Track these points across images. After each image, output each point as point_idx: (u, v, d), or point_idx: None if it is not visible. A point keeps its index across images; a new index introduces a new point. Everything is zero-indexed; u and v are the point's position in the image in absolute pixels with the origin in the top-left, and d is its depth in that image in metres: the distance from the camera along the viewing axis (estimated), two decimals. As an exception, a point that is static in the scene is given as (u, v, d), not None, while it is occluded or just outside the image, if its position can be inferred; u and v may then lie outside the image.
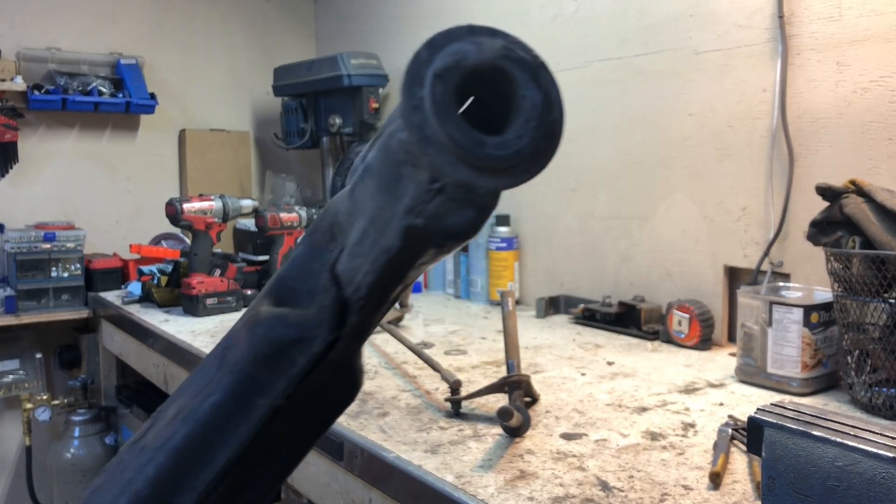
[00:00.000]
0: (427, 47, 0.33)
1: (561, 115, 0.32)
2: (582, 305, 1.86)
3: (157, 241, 2.69)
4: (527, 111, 0.31)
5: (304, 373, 0.37)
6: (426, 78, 0.32)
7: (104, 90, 2.62)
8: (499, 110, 0.31)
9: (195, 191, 2.65)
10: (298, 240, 0.32)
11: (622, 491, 0.91)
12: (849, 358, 1.20)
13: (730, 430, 1.06)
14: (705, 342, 1.58)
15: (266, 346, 0.37)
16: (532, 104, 0.31)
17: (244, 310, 2.01)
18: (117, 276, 2.49)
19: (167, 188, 2.86)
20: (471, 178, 0.31)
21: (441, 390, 1.31)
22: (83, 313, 2.43)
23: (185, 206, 2.07)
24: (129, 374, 2.37)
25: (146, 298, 2.22)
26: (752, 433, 0.76)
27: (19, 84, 2.48)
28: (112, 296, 2.35)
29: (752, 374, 1.34)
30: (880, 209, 1.17)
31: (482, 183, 0.31)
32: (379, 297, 0.35)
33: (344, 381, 0.40)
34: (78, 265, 2.45)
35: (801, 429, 0.72)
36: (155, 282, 2.21)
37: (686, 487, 0.92)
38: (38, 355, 2.53)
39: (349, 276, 0.34)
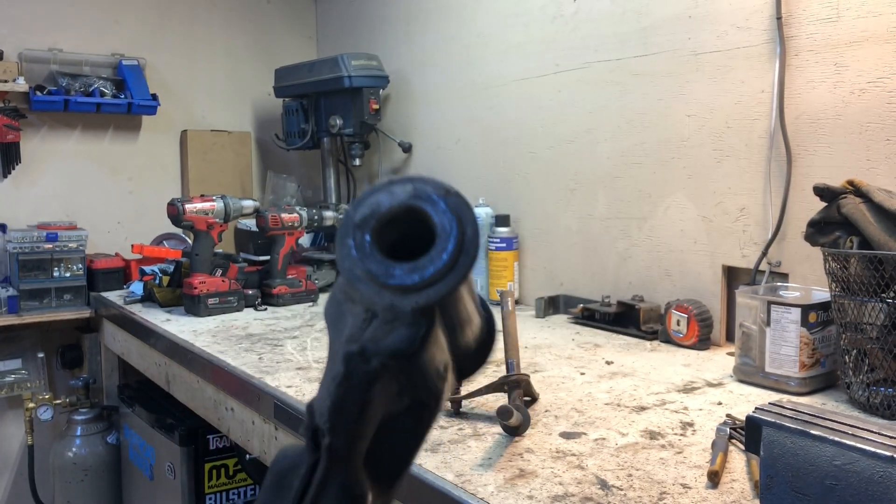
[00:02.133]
0: (352, 204, 0.39)
1: (474, 232, 0.38)
2: (581, 305, 1.86)
3: (158, 241, 2.70)
4: (440, 234, 0.37)
5: (299, 494, 0.41)
6: (349, 228, 0.38)
7: (106, 91, 2.63)
8: (430, 240, 0.38)
9: (197, 191, 2.66)
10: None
11: (621, 489, 0.92)
12: (846, 357, 1.21)
13: (728, 430, 1.07)
14: (704, 342, 1.59)
15: (271, 475, 0.43)
16: (442, 228, 0.37)
17: (246, 309, 2.00)
18: (119, 276, 2.50)
19: (169, 189, 2.87)
20: (394, 301, 0.37)
21: (441, 390, 1.32)
22: (85, 313, 2.44)
23: (187, 206, 2.08)
24: (131, 374, 2.38)
25: (148, 298, 2.23)
26: (751, 432, 0.77)
27: (21, 85, 2.49)
28: (114, 296, 2.36)
29: (750, 373, 1.34)
30: (878, 209, 1.18)
31: (404, 303, 0.37)
32: (342, 421, 0.40)
33: (346, 499, 0.44)
34: (80, 265, 2.46)
35: (799, 428, 0.73)
36: (157, 282, 2.22)
37: (685, 486, 0.93)
38: (41, 355, 2.54)
39: (318, 407, 0.40)
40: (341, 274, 0.38)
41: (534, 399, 1.26)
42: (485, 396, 1.23)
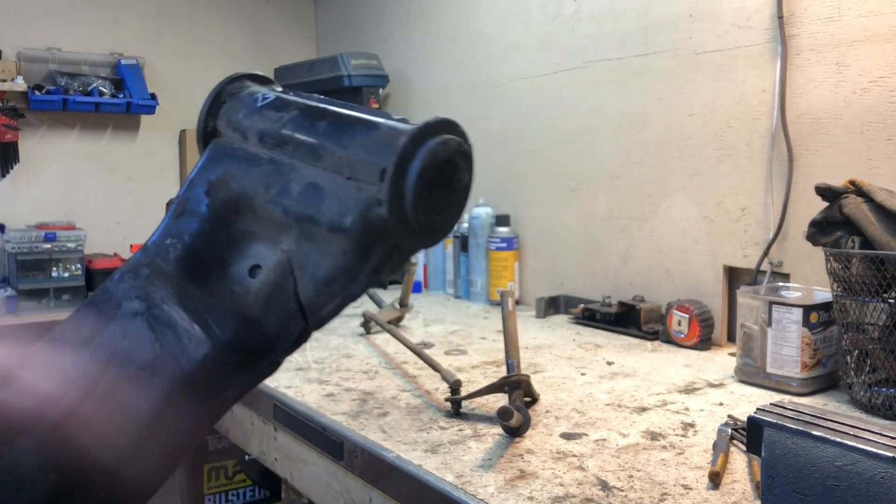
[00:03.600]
0: (411, 142, 0.36)
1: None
2: (582, 305, 1.86)
3: (157, 241, 2.69)
4: (460, 193, 0.39)
5: (262, 377, 0.40)
6: (409, 173, 0.36)
7: (105, 91, 2.63)
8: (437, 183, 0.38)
9: (196, 191, 2.65)
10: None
11: (622, 491, 0.91)
12: (848, 358, 1.21)
13: (729, 430, 1.06)
14: (705, 342, 1.59)
15: (232, 352, 0.38)
16: (464, 187, 0.40)
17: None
18: (118, 276, 2.50)
19: (168, 188, 2.87)
20: (421, 245, 0.39)
21: (441, 390, 1.32)
22: (84, 313, 2.44)
23: (186, 206, 2.08)
24: (130, 374, 2.38)
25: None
26: (752, 433, 0.76)
27: (20, 84, 2.49)
28: (113, 296, 2.36)
29: (751, 373, 1.34)
30: (879, 209, 1.18)
31: (425, 246, 0.40)
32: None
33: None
34: (79, 265, 2.45)
35: (800, 428, 0.72)
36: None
37: (686, 487, 0.92)
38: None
39: (313, 310, 0.38)
40: (390, 212, 0.36)
41: (534, 400, 1.25)
42: (485, 397, 1.22)
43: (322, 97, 0.42)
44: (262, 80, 0.45)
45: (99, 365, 0.36)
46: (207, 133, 0.43)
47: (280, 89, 0.45)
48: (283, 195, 0.38)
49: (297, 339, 0.38)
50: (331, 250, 0.36)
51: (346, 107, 0.41)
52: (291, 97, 0.42)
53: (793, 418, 0.74)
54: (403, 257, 0.39)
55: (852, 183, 1.23)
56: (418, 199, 0.36)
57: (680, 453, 1.03)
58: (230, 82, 0.45)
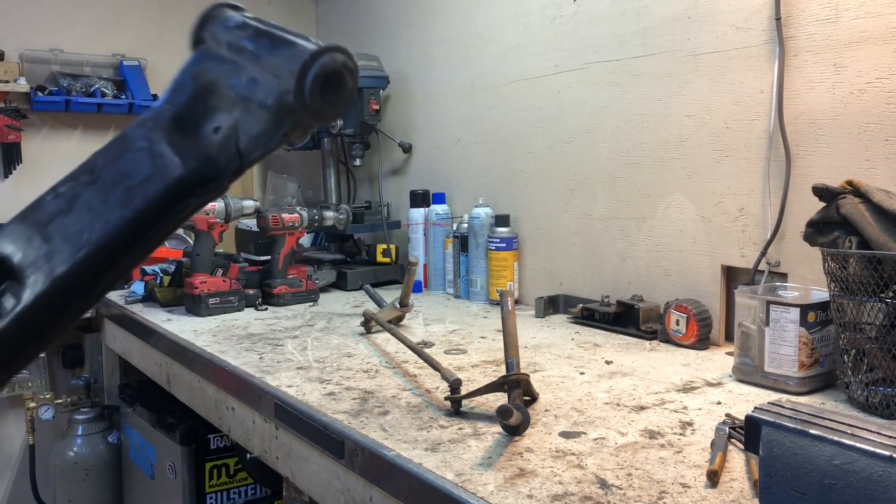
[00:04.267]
0: (311, 56, 0.55)
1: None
2: (581, 305, 1.87)
3: (159, 241, 2.70)
4: (345, 93, 0.56)
5: (214, 195, 0.59)
6: (308, 76, 0.55)
7: (107, 91, 2.63)
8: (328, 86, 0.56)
9: (197, 191, 2.66)
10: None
11: (620, 489, 0.92)
12: (845, 357, 1.21)
13: (727, 429, 1.07)
14: (703, 341, 1.59)
15: (197, 174, 0.57)
16: (348, 90, 0.56)
17: (246, 309, 2.00)
18: (120, 276, 2.50)
19: (169, 189, 2.87)
20: (316, 123, 0.57)
21: (441, 389, 1.33)
22: (86, 313, 2.44)
23: (188, 206, 2.08)
24: (132, 374, 2.38)
25: (149, 298, 2.23)
26: (750, 432, 0.77)
27: (23, 85, 2.50)
28: (115, 295, 2.36)
29: (749, 373, 1.35)
30: (877, 209, 1.18)
31: (321, 124, 0.57)
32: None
33: None
34: (80, 265, 2.45)
35: (798, 427, 0.73)
36: (158, 281, 2.22)
37: (684, 485, 0.93)
38: (42, 354, 2.54)
39: (247, 154, 0.57)
40: (296, 100, 0.55)
41: (533, 398, 1.26)
42: (484, 396, 1.23)
43: (272, 23, 0.63)
44: (236, 8, 0.66)
45: (112, 176, 0.57)
46: (196, 40, 0.65)
47: (248, 15, 0.65)
48: (236, 83, 0.59)
49: (236, 172, 0.58)
50: (259, 120, 0.57)
51: (283, 30, 0.62)
52: (251, 21, 0.64)
53: (790, 417, 0.75)
54: (306, 129, 0.57)
55: (849, 183, 1.24)
56: (313, 93, 0.54)
57: (678, 452, 1.04)
58: (216, 7, 0.66)
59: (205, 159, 0.57)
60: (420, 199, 2.47)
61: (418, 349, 1.52)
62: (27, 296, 0.51)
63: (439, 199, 2.41)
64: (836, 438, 0.70)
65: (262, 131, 0.57)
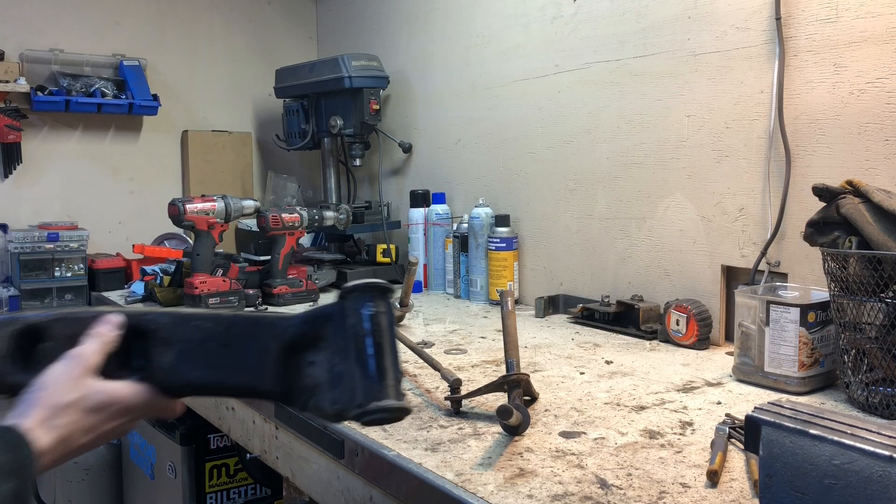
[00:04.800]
0: (373, 409, 0.69)
1: None
2: (581, 305, 1.87)
3: (159, 241, 2.70)
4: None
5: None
6: (363, 420, 0.70)
7: (107, 91, 2.63)
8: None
9: (197, 191, 2.66)
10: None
11: (620, 489, 0.92)
12: (845, 357, 1.21)
13: (727, 429, 1.07)
14: (703, 341, 1.59)
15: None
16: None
17: (247, 309, 2.01)
18: (120, 275, 2.51)
19: (170, 189, 2.88)
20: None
21: (441, 389, 1.33)
22: (86, 313, 2.44)
23: (188, 206, 2.09)
24: (132, 374, 2.38)
25: (149, 298, 2.23)
26: (750, 431, 0.77)
27: (23, 85, 2.49)
28: (115, 295, 2.37)
29: (749, 372, 1.35)
30: (877, 209, 1.18)
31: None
32: None
33: None
34: (81, 265, 2.46)
35: (798, 427, 0.72)
36: (158, 282, 2.22)
37: (684, 485, 0.93)
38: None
39: (301, 406, 0.74)
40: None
41: (533, 398, 1.26)
42: (485, 396, 1.23)
43: (390, 343, 0.71)
44: (385, 292, 0.73)
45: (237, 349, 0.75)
46: (342, 295, 0.72)
47: (382, 315, 0.71)
48: (335, 365, 0.71)
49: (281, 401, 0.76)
50: (323, 400, 0.72)
51: (385, 359, 0.70)
52: (377, 325, 0.71)
53: (790, 417, 0.75)
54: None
55: (849, 183, 1.24)
56: (362, 423, 0.70)
57: (678, 452, 1.04)
58: (373, 288, 0.72)
59: (283, 385, 0.72)
60: (420, 199, 2.47)
61: (418, 349, 1.52)
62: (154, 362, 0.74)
63: (439, 199, 2.42)
64: (836, 438, 0.70)
65: (317, 408, 0.71)
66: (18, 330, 0.73)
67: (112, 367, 0.72)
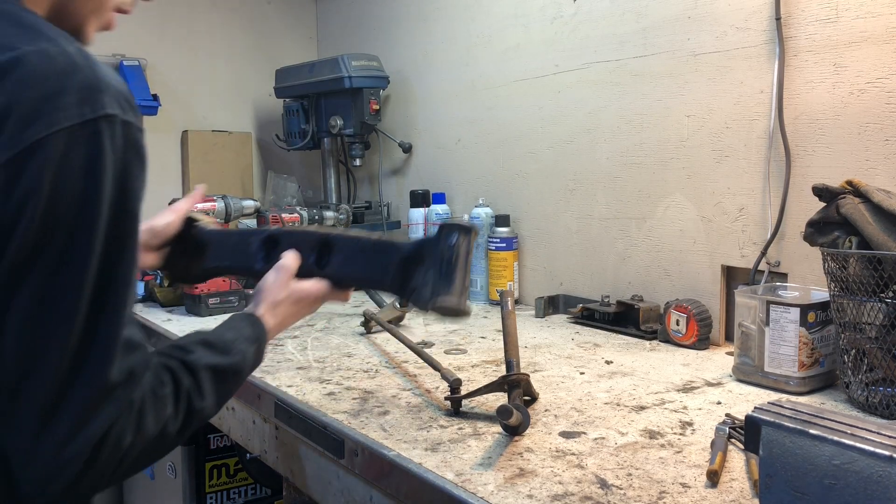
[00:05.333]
0: (440, 306, 1.02)
1: None
2: (581, 305, 1.87)
3: (159, 241, 2.69)
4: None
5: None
6: (429, 311, 1.03)
7: (106, 91, 2.63)
8: None
9: (197, 191, 2.66)
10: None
11: (621, 489, 0.92)
12: (845, 357, 1.21)
13: (727, 429, 1.07)
14: (703, 341, 1.59)
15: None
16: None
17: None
18: (120, 276, 2.50)
19: (169, 188, 2.88)
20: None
21: (441, 389, 1.33)
22: (86, 313, 2.44)
23: (188, 206, 2.08)
24: (132, 374, 2.38)
25: (149, 298, 2.23)
26: (750, 431, 0.77)
27: (22, 85, 2.49)
28: (114, 296, 2.36)
29: (749, 373, 1.35)
30: (877, 209, 1.18)
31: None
32: None
33: None
34: (80, 265, 2.45)
35: (798, 427, 0.72)
36: (158, 281, 2.22)
37: (684, 485, 0.93)
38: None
39: (409, 297, 1.07)
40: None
41: (533, 398, 1.26)
42: (484, 396, 1.23)
43: (461, 261, 1.02)
44: (468, 231, 1.02)
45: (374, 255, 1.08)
46: (442, 226, 1.03)
47: (463, 246, 1.02)
48: (428, 273, 1.01)
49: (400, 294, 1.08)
50: (418, 299, 1.03)
51: (457, 270, 1.01)
52: (457, 251, 1.01)
53: (790, 417, 0.75)
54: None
55: (849, 183, 1.24)
56: (430, 313, 1.02)
57: (678, 452, 1.04)
58: (461, 226, 1.02)
59: (399, 283, 1.04)
60: (420, 199, 2.47)
61: (418, 349, 1.52)
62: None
63: (439, 199, 2.41)
64: (836, 438, 0.70)
65: (415, 300, 1.01)
66: (265, 237, 1.10)
67: (305, 270, 1.04)
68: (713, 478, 0.94)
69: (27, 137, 0.66)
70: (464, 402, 1.23)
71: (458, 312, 0.98)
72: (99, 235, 0.71)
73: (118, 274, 0.72)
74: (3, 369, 0.67)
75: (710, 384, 1.36)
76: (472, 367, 1.49)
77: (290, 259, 1.04)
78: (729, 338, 1.62)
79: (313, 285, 1.05)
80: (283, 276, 1.03)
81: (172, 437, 0.78)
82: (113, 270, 0.72)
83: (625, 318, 1.76)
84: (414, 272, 1.01)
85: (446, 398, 1.24)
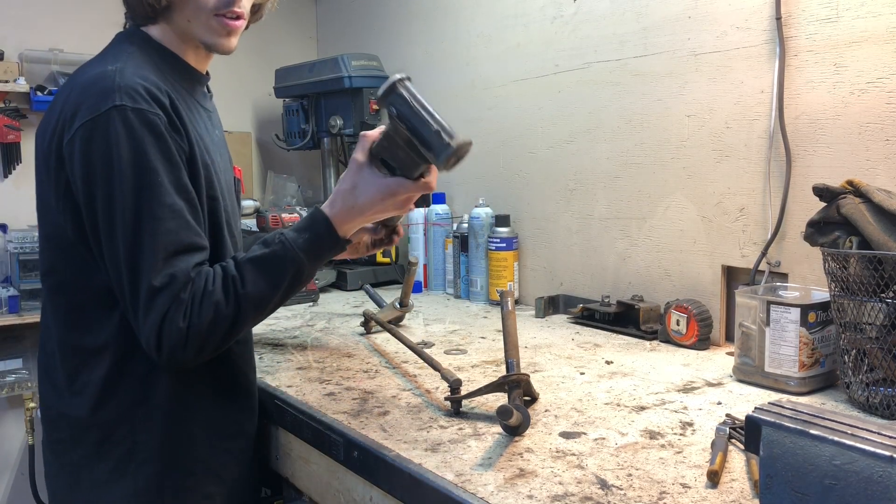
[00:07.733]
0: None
1: None
2: (581, 305, 1.87)
3: (158, 241, 2.69)
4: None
5: None
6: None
7: (106, 91, 2.63)
8: None
9: (197, 191, 2.66)
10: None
11: (621, 489, 0.92)
12: (846, 357, 1.21)
13: (728, 429, 1.07)
14: (703, 341, 1.59)
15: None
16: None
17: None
18: (119, 276, 2.51)
19: (169, 189, 2.87)
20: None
21: (441, 389, 1.32)
22: (85, 313, 2.45)
23: (187, 206, 2.08)
24: (132, 374, 2.38)
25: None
26: (750, 432, 0.77)
27: (22, 85, 2.49)
28: (114, 296, 2.36)
29: (749, 373, 1.35)
30: (877, 209, 1.18)
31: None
32: None
33: None
34: (80, 265, 2.46)
35: (798, 427, 0.72)
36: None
37: (684, 486, 0.93)
38: (41, 355, 2.55)
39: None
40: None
41: (534, 399, 1.26)
42: (485, 396, 1.23)
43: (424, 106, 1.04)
44: (391, 87, 1.04)
45: None
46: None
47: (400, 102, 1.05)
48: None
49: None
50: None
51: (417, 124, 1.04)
52: (404, 108, 1.04)
53: (791, 417, 0.75)
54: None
55: (850, 183, 1.24)
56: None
57: (678, 452, 1.04)
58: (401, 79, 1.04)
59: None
60: (420, 198, 2.46)
61: (418, 349, 1.52)
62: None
63: (439, 199, 2.41)
64: (836, 439, 0.69)
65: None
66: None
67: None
68: (713, 478, 0.94)
69: (73, 128, 1.02)
70: (464, 402, 1.23)
71: (461, 147, 1.00)
72: (126, 186, 1.00)
73: (150, 212, 1.00)
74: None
75: (710, 384, 1.36)
76: (472, 367, 1.49)
77: (360, 150, 1.11)
78: (729, 338, 1.62)
79: (371, 171, 1.11)
80: (352, 167, 1.12)
81: (231, 317, 1.04)
82: (145, 209, 1.00)
83: (625, 319, 1.76)
84: (398, 155, 1.08)
85: (446, 398, 1.24)
